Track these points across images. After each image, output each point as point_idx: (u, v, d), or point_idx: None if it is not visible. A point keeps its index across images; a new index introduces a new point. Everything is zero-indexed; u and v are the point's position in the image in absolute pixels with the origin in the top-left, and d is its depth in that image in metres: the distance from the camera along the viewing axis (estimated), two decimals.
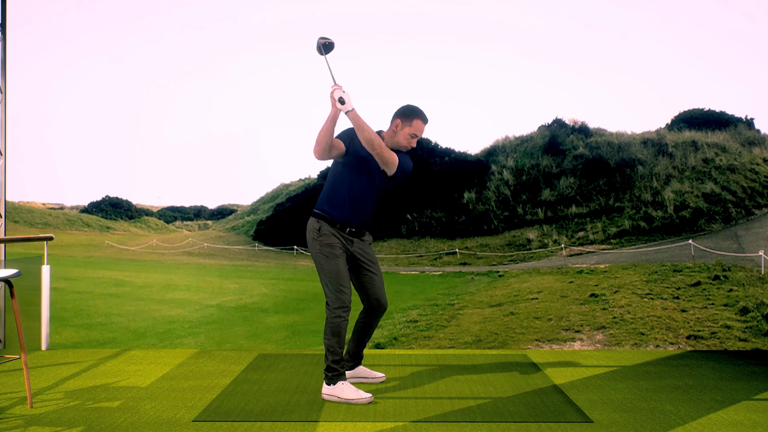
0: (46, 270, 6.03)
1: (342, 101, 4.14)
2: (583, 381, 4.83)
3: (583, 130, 50.28)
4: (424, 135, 4.54)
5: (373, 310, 4.62)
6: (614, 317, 16.00)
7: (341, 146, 4.36)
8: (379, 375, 4.81)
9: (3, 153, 6.40)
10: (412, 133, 4.42)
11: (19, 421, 3.89)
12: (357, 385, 4.56)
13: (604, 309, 17.09)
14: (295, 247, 53.08)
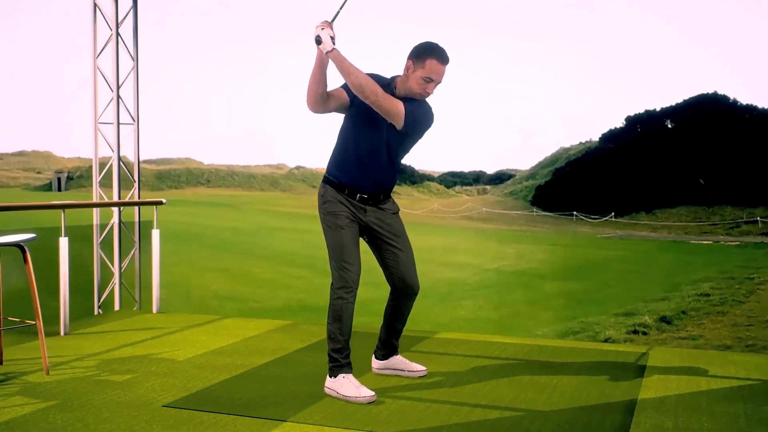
0: (156, 234, 6.08)
1: (318, 40, 3.42)
2: (683, 398, 3.62)
3: None
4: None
5: (399, 291, 3.87)
6: None
7: (343, 96, 3.64)
8: (419, 368, 4.04)
9: (135, 120, 6.55)
10: (426, 76, 3.56)
11: (15, 388, 3.83)
12: (382, 380, 3.86)
13: None
14: (575, 213, 51.12)
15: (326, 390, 3.69)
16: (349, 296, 3.62)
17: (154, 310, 6.08)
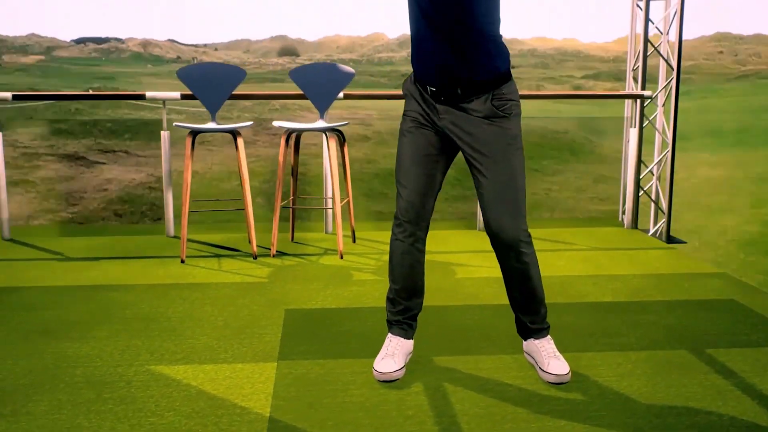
0: (632, 134, 5.03)
1: None
2: None
3: None
4: None
5: (490, 238, 2.48)
6: None
7: None
8: (555, 370, 2.51)
9: None
10: None
11: (290, 263, 4.14)
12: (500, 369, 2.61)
13: None
14: None
15: None
16: (398, 231, 2.57)
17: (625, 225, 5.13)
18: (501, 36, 2.41)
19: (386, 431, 2.19)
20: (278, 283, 3.74)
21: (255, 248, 4.23)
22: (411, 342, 2.68)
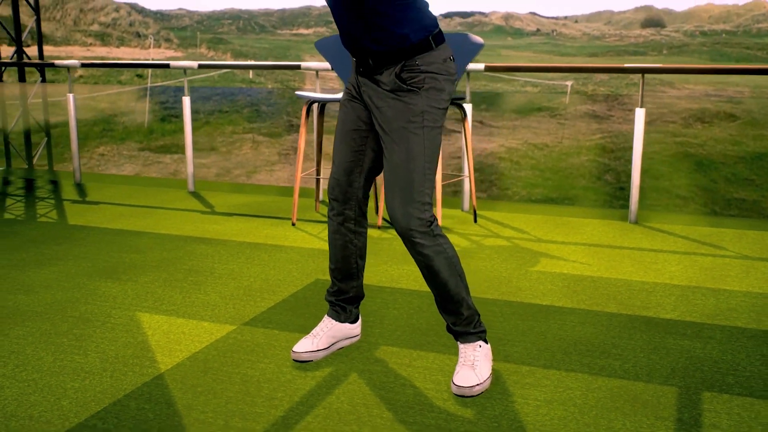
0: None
1: None
2: None
3: None
4: None
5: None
6: None
7: None
8: (463, 380, 2.22)
9: None
10: None
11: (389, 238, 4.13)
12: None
13: None
14: None
15: None
16: (329, 209, 2.48)
17: None
18: (419, 2, 2.16)
19: (236, 405, 2.16)
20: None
21: (380, 220, 4.30)
22: (346, 327, 2.56)
